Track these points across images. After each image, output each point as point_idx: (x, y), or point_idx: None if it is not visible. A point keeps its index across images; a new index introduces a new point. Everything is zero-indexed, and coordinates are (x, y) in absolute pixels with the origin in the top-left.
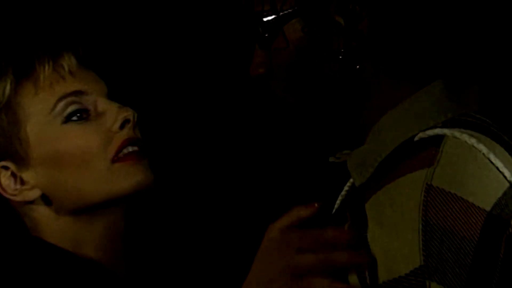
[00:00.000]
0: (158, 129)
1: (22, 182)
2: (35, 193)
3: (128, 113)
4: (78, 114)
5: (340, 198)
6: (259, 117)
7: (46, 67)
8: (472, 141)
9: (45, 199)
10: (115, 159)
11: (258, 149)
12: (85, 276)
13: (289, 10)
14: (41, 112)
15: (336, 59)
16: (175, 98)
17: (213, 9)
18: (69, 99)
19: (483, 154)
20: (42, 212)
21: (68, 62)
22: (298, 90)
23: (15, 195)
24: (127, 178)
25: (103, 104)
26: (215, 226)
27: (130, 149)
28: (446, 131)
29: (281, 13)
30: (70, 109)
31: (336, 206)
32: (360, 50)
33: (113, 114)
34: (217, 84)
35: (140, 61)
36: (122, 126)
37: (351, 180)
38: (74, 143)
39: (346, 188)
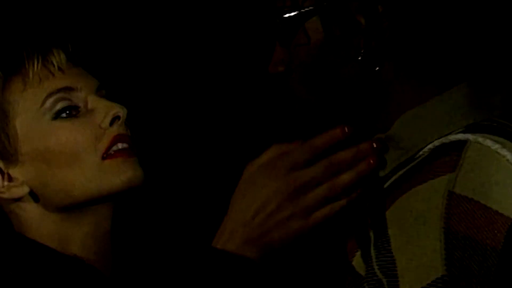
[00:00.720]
0: (148, 126)
1: (10, 179)
2: (23, 190)
3: (118, 110)
4: (68, 111)
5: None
6: (270, 116)
7: (35, 63)
8: (496, 146)
9: (33, 196)
10: (105, 156)
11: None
12: (70, 274)
13: (311, 7)
14: (30, 108)
15: (355, 59)
16: (165, 95)
17: (207, 9)
18: (59, 95)
19: (507, 160)
20: (29, 209)
21: (58, 58)
22: (315, 88)
23: (2, 192)
24: (117, 175)
25: (92, 100)
26: (205, 226)
27: (120, 146)
28: (469, 136)
29: (302, 10)
30: (59, 105)
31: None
32: (380, 51)
33: (103, 111)
34: (209, 82)
35: (130, 58)
36: (112, 123)
37: None
38: (64, 140)
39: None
